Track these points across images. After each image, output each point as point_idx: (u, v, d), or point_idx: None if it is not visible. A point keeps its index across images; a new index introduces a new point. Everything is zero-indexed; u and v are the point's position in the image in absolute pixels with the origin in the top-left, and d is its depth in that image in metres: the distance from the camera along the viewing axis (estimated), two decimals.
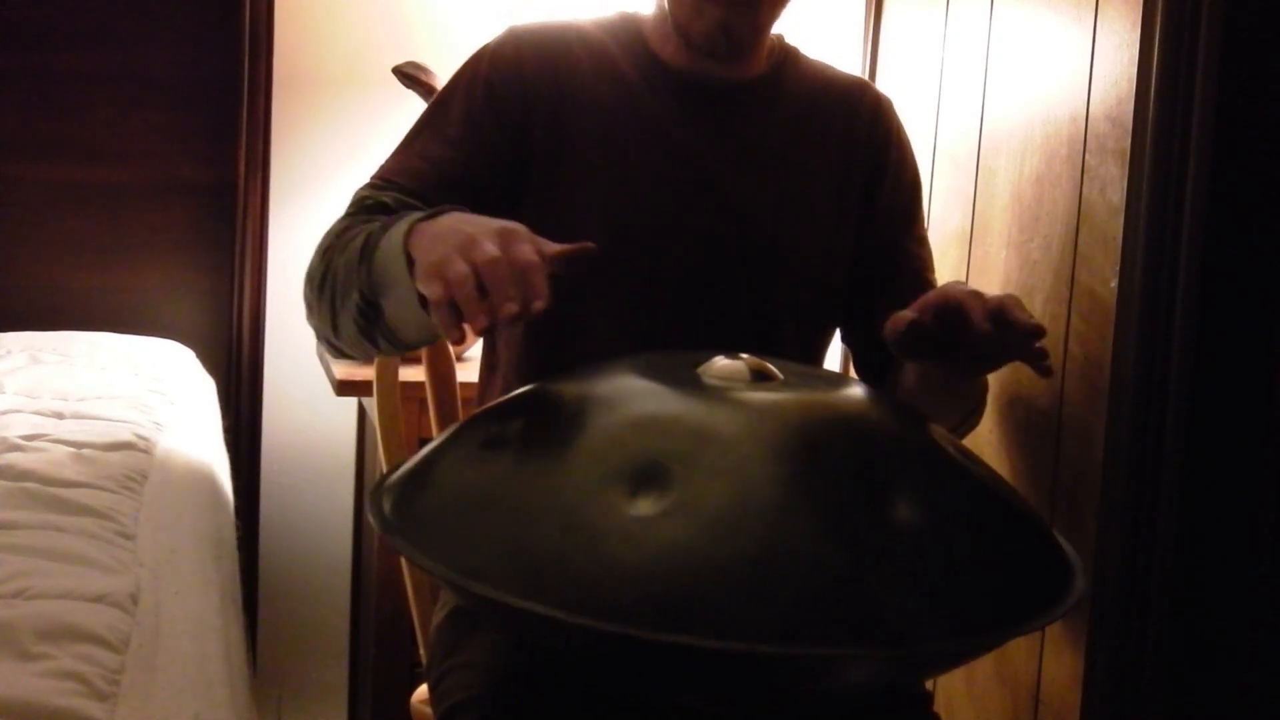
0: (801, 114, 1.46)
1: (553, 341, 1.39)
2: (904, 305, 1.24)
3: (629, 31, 1.45)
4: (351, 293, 1.20)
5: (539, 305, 1.04)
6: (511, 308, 1.03)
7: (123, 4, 2.23)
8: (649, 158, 1.40)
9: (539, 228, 1.32)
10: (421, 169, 1.36)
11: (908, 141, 1.53)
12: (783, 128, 1.45)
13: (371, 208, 1.32)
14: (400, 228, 1.16)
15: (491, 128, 1.38)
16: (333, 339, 1.29)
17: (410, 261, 1.13)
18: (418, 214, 1.18)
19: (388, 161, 1.39)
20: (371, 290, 1.19)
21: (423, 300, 1.11)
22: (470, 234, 1.08)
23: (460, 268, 1.05)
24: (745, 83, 1.44)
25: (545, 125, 1.39)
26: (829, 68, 1.53)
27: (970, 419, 1.46)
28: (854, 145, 1.48)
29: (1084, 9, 1.48)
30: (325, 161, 2.30)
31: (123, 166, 2.25)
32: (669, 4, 1.39)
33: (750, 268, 1.42)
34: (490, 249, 1.05)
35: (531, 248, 1.07)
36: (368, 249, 1.19)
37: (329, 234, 1.31)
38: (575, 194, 1.39)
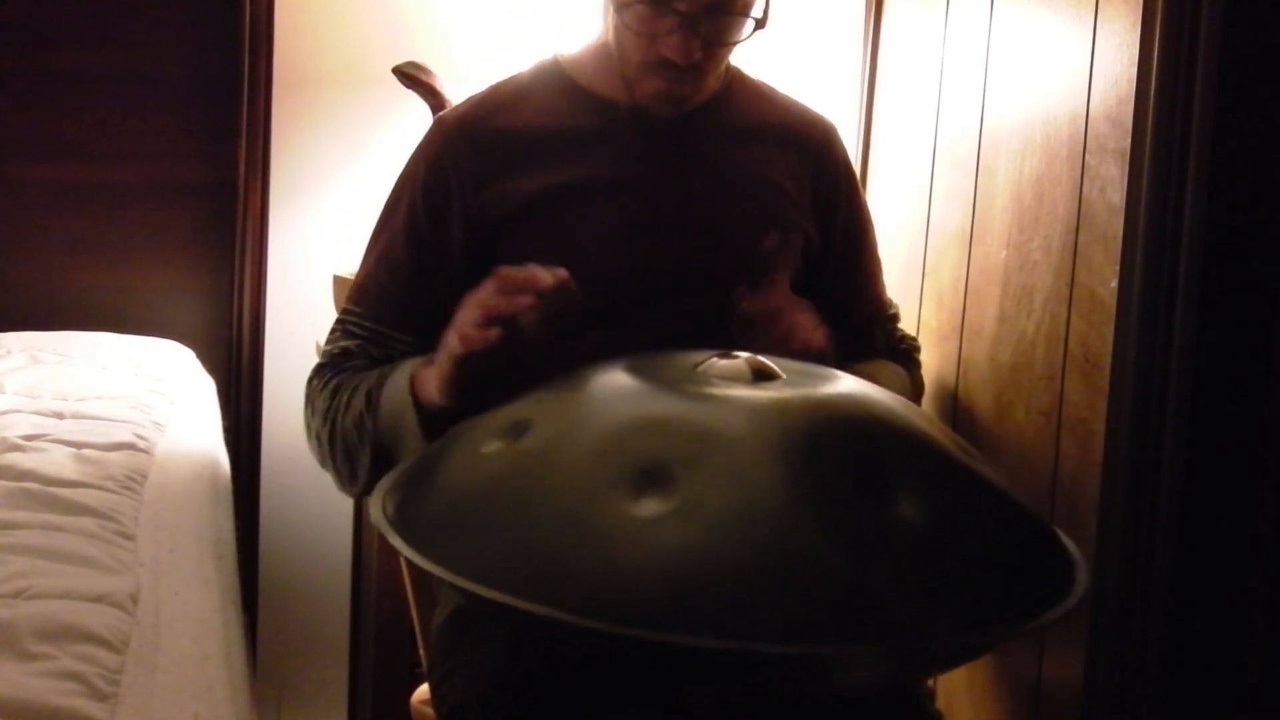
0: (753, 123, 1.51)
1: None
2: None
3: (558, 78, 1.48)
4: (363, 452, 1.34)
5: (546, 279, 1.17)
6: (526, 298, 1.17)
7: (123, 4, 2.23)
8: (608, 196, 1.42)
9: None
10: (376, 305, 1.44)
11: (852, 166, 1.59)
12: (735, 135, 1.49)
13: (340, 355, 1.43)
14: (401, 383, 1.30)
15: (434, 237, 1.43)
16: (349, 491, 1.41)
17: (418, 405, 1.27)
18: (414, 362, 1.32)
19: (353, 287, 1.46)
20: (381, 444, 1.32)
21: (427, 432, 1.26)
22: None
23: (465, 316, 1.21)
24: (695, 108, 1.46)
25: (493, 200, 1.42)
26: (775, 90, 1.57)
27: None
28: (807, 167, 1.52)
29: (1084, 9, 1.48)
30: (325, 161, 2.30)
31: (123, 166, 2.25)
32: (619, 57, 1.41)
33: (720, 276, 1.42)
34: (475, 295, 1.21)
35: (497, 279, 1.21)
36: (372, 406, 1.33)
37: (316, 393, 1.41)
38: (545, 244, 1.39)
